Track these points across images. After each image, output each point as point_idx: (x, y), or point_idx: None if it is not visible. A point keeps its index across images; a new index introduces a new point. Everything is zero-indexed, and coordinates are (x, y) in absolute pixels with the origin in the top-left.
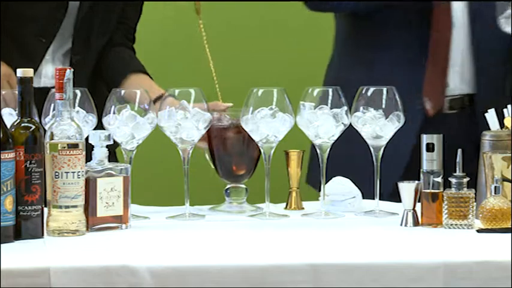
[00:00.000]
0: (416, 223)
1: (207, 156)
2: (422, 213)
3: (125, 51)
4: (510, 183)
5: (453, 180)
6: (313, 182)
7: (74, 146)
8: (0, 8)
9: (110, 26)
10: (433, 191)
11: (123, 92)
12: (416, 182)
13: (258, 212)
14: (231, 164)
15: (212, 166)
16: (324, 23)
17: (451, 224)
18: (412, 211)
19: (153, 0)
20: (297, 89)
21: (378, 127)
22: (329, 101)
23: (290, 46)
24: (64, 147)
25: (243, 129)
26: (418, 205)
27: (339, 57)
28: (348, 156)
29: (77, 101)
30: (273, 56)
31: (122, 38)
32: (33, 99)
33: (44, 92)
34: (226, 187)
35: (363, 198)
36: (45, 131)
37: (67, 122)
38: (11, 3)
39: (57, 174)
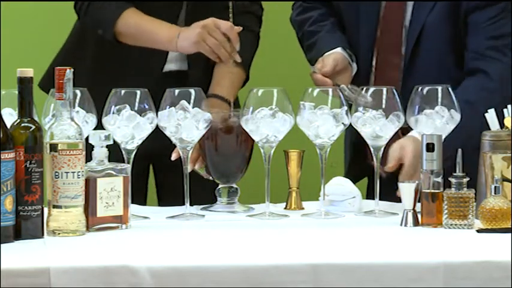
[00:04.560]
0: (416, 223)
1: (197, 167)
2: (422, 213)
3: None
4: (510, 183)
5: (453, 180)
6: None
7: (74, 146)
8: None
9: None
10: (433, 191)
11: (123, 91)
12: (416, 182)
13: (250, 211)
14: (222, 165)
15: (201, 173)
16: None
17: (451, 224)
18: (412, 211)
19: None
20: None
21: (378, 127)
22: (329, 101)
23: (290, 45)
24: (64, 147)
25: (234, 129)
26: (418, 205)
27: None
28: None
29: (77, 101)
30: (273, 55)
31: (246, 20)
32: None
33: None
34: (218, 187)
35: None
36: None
37: (67, 122)
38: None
39: (57, 174)
